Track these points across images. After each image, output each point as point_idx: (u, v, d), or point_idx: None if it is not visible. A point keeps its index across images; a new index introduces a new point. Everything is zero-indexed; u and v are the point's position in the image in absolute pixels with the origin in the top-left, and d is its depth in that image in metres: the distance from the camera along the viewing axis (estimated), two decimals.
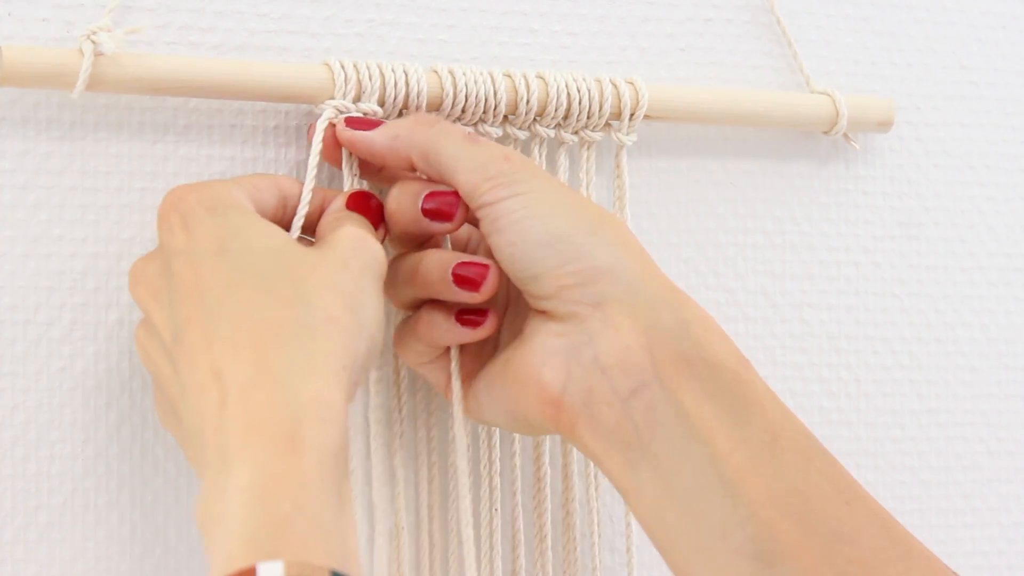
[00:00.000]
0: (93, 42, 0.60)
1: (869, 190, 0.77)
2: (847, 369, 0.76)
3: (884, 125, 0.75)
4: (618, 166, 0.70)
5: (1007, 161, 0.79)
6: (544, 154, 0.68)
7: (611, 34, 0.71)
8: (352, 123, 0.63)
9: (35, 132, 0.62)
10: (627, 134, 0.69)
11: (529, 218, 0.59)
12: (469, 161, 0.60)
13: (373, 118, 0.63)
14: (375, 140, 0.62)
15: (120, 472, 0.64)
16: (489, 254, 0.62)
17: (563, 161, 0.69)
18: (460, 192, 0.61)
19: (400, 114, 0.65)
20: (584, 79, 0.67)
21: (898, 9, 0.77)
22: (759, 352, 0.74)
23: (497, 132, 0.66)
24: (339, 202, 0.62)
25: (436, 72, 0.65)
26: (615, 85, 0.68)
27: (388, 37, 0.68)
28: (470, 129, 0.65)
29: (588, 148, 0.69)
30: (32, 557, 0.63)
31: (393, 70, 0.64)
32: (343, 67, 0.64)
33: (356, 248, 0.58)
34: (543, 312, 0.60)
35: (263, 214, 0.60)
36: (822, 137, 0.75)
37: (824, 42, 0.75)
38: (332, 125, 0.63)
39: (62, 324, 0.63)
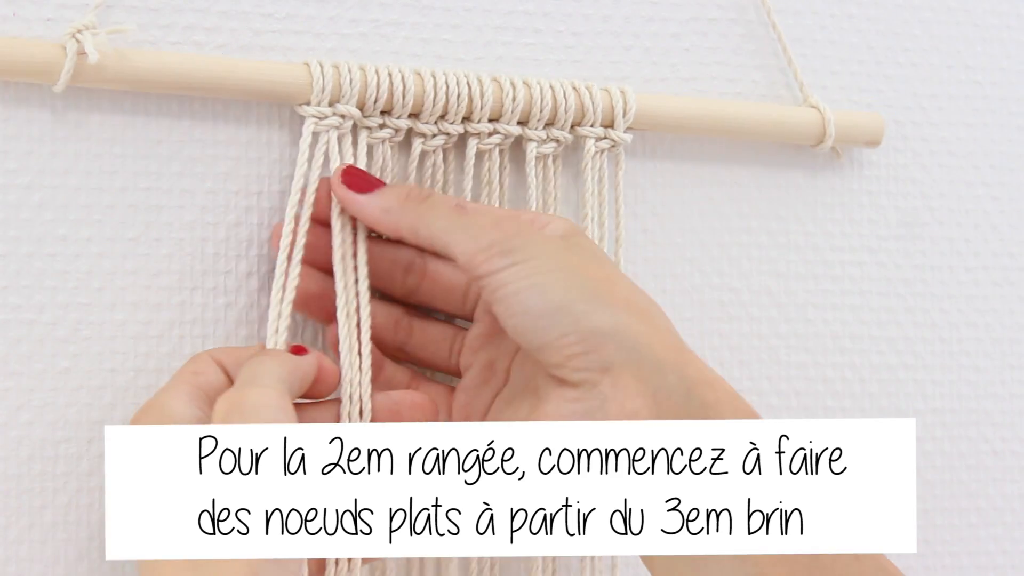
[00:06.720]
0: (77, 40, 0.60)
1: (873, 190, 0.76)
2: (851, 369, 0.76)
3: (872, 143, 0.74)
4: (601, 179, 0.69)
5: (1011, 161, 0.79)
6: (534, 158, 0.68)
7: (615, 34, 0.71)
8: (349, 180, 0.62)
9: (39, 132, 0.62)
10: (605, 144, 0.68)
11: (527, 289, 0.59)
12: (461, 233, 0.60)
13: (371, 176, 0.63)
14: (366, 209, 0.62)
15: None
16: (488, 313, 0.63)
17: (540, 169, 0.68)
18: (458, 264, 0.60)
19: (382, 115, 0.65)
20: (573, 85, 0.67)
21: (903, 9, 0.77)
22: (763, 352, 0.74)
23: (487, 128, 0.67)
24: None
25: (419, 74, 0.65)
26: (608, 92, 0.68)
27: (392, 37, 0.68)
28: (459, 198, 0.64)
29: (556, 159, 0.68)
30: (37, 556, 0.63)
31: (376, 72, 0.64)
32: (322, 68, 0.63)
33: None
34: (556, 377, 0.60)
35: (215, 388, 0.60)
36: None
37: (828, 41, 0.75)
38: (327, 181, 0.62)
39: (67, 324, 0.63)
